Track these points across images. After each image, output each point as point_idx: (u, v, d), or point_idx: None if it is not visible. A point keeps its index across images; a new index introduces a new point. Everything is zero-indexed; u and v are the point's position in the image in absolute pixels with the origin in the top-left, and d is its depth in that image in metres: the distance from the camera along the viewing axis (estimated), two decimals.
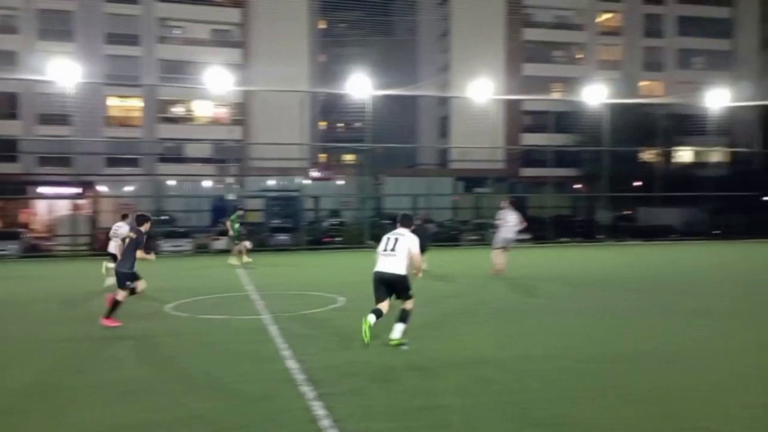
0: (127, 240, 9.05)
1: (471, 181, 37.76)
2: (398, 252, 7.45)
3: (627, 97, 32.93)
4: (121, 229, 12.64)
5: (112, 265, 12.17)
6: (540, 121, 43.98)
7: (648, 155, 35.45)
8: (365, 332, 7.19)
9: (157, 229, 24.88)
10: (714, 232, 28.86)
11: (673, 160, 38.26)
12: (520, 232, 15.42)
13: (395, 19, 56.63)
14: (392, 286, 7.46)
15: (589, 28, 48.95)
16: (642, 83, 48.70)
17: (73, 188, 28.71)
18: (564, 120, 34.60)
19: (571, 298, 11.22)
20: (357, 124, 51.73)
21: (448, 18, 47.44)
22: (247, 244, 18.05)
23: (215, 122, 41.52)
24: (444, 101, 45.76)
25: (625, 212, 34.15)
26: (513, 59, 46.08)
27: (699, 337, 7.94)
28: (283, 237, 25.70)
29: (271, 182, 37.29)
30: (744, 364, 6.58)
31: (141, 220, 9.19)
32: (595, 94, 27.03)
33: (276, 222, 27.91)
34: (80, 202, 28.34)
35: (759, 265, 17.90)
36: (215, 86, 24.32)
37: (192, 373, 6.43)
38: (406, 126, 51.62)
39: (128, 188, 33.88)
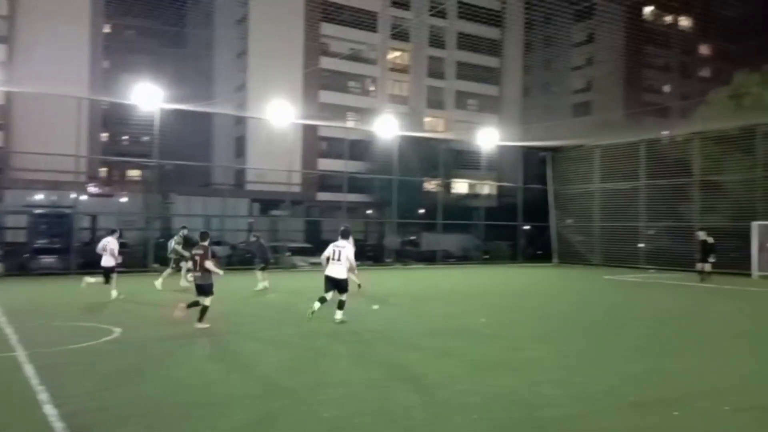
0: (198, 257, 10.07)
1: (267, 203, 37.32)
2: (342, 260, 10.61)
3: (413, 131, 35.48)
4: (110, 243, 14.10)
5: (93, 279, 14.03)
6: (336, 148, 45.38)
7: (431, 185, 38.48)
8: (311, 313, 10.43)
9: None
10: (484, 256, 32.16)
11: (452, 191, 42.02)
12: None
13: (191, 31, 54.42)
14: (337, 284, 10.60)
15: (381, 63, 52.07)
16: (426, 119, 53.02)
17: None
18: (358, 148, 36.07)
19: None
20: (144, 138, 48.24)
21: (246, 37, 46.90)
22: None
23: None
24: (241, 120, 44.89)
25: (410, 238, 36.49)
26: (310, 85, 47.05)
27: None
28: (49, 259, 22.67)
29: (39, 197, 32.88)
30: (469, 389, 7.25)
31: (204, 236, 10.43)
32: (386, 126, 28.62)
33: (41, 242, 24.56)
34: None
35: (516, 286, 20.28)
36: None
37: None
38: (200, 143, 49.52)
39: None
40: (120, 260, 14.44)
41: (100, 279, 14.16)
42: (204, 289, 10.09)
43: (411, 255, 32.01)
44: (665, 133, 30.71)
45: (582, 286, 20.78)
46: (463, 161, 36.16)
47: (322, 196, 43.53)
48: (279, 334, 10.20)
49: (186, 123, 43.24)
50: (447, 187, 38.02)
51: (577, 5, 54.67)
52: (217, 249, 27.39)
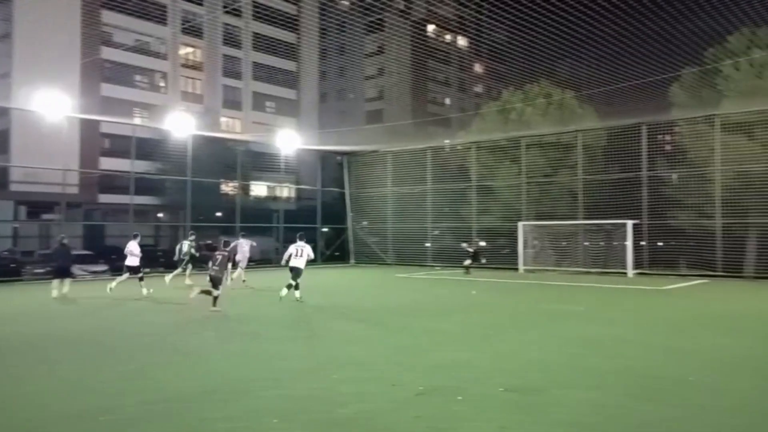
0: (220, 257, 13.72)
1: (37, 206, 33.20)
2: (304, 256, 15.05)
3: (208, 130, 34.17)
4: (135, 247, 16.10)
5: (145, 290, 15.93)
6: (121, 146, 41.85)
7: (228, 187, 37.41)
8: (282, 296, 14.83)
9: None
10: None
11: (250, 193, 41.33)
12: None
13: None
14: (297, 272, 14.92)
15: (172, 58, 49.33)
16: (222, 119, 51.49)
17: None
18: (146, 146, 33.68)
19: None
20: None
21: (9, 19, 41.16)
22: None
23: None
24: (4, 112, 39.18)
25: (207, 242, 35.10)
26: (89, 76, 42.84)
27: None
28: None
29: None
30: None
31: (226, 244, 14.68)
32: (178, 124, 27.13)
33: None
34: None
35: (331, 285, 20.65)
36: None
37: None
38: None
39: None
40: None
41: (143, 284, 16.01)
42: (218, 281, 13.40)
43: (208, 259, 30.76)
44: (447, 141, 33.65)
45: (377, 285, 21.85)
46: (262, 163, 35.76)
47: (105, 198, 39.89)
48: (87, 348, 9.10)
49: None
50: (245, 189, 37.31)
51: (369, 17, 57.41)
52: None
